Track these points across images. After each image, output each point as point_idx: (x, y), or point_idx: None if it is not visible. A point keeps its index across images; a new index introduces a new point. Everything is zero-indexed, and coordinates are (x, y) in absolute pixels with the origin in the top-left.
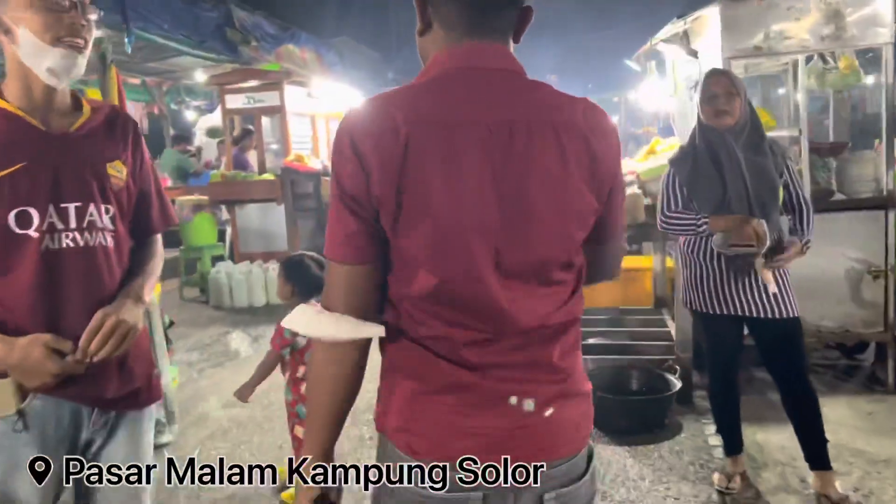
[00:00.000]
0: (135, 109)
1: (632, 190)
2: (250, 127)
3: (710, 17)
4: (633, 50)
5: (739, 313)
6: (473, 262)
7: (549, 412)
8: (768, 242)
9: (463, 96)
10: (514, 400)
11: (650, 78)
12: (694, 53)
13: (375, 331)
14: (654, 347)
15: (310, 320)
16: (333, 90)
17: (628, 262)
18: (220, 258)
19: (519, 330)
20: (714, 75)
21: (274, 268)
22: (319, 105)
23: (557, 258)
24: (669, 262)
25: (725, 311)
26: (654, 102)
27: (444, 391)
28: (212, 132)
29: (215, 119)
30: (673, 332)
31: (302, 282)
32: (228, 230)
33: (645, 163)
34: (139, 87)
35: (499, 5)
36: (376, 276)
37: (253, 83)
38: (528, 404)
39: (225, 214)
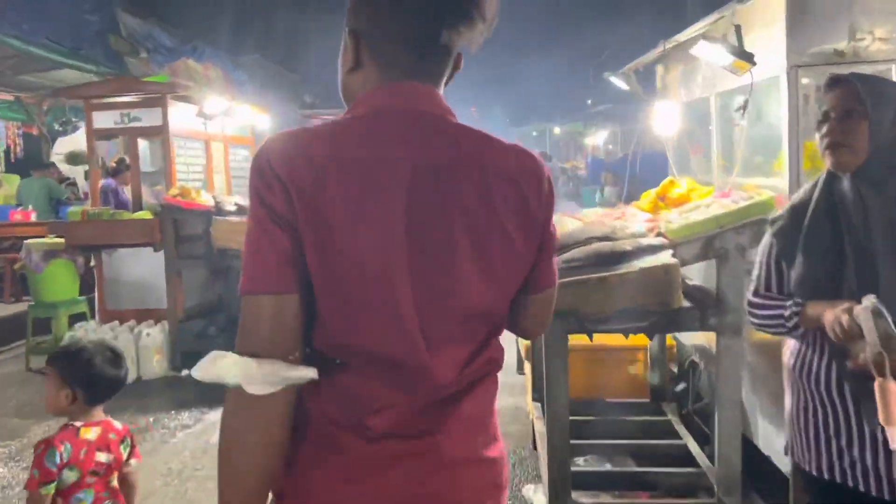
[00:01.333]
0: (6, 129)
1: (663, 258)
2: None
3: (769, 7)
4: (593, 69)
5: (875, 492)
6: (388, 307)
7: (452, 477)
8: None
9: (388, 135)
10: (414, 465)
11: (657, 96)
12: (748, 57)
13: (309, 373)
14: (676, 478)
15: (232, 366)
16: (236, 111)
17: (615, 339)
18: (82, 317)
19: (433, 385)
20: (831, 85)
21: (149, 332)
22: (218, 127)
23: (478, 307)
24: (669, 340)
25: (852, 483)
26: (664, 127)
27: (335, 453)
28: (73, 158)
29: (79, 141)
30: (691, 447)
31: (87, 384)
32: None
33: (669, 215)
34: (13, 105)
35: (436, 50)
36: (303, 309)
37: (128, 97)
38: (431, 468)
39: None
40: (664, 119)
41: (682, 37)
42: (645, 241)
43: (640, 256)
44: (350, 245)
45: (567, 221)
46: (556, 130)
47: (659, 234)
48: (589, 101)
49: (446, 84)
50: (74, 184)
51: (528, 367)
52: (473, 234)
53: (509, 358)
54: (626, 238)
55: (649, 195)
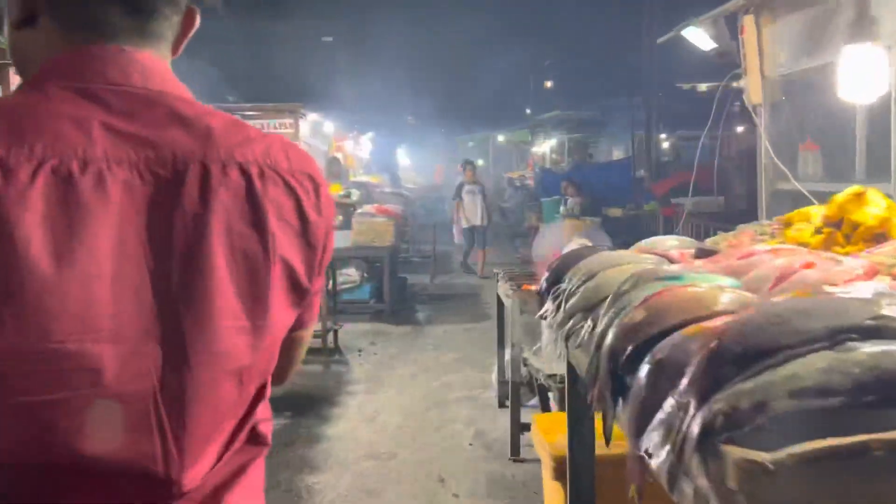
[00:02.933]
0: None
1: None
2: None
3: None
4: None
5: None
6: (100, 385)
7: None
8: None
9: (92, 125)
10: None
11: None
12: None
13: None
14: None
15: None
16: None
17: None
18: None
19: (175, 491)
20: None
21: None
22: None
23: (244, 366)
24: None
25: None
26: (863, 93)
27: None
28: None
29: None
30: None
31: None
32: None
33: None
34: None
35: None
36: None
37: None
38: None
39: None
40: (869, 78)
41: None
42: None
43: None
44: (36, 295)
45: (716, 282)
46: (500, 139)
47: None
48: (528, 111)
49: (176, 51)
50: None
51: (553, 489)
52: (240, 263)
53: (502, 435)
54: None
55: (807, 217)
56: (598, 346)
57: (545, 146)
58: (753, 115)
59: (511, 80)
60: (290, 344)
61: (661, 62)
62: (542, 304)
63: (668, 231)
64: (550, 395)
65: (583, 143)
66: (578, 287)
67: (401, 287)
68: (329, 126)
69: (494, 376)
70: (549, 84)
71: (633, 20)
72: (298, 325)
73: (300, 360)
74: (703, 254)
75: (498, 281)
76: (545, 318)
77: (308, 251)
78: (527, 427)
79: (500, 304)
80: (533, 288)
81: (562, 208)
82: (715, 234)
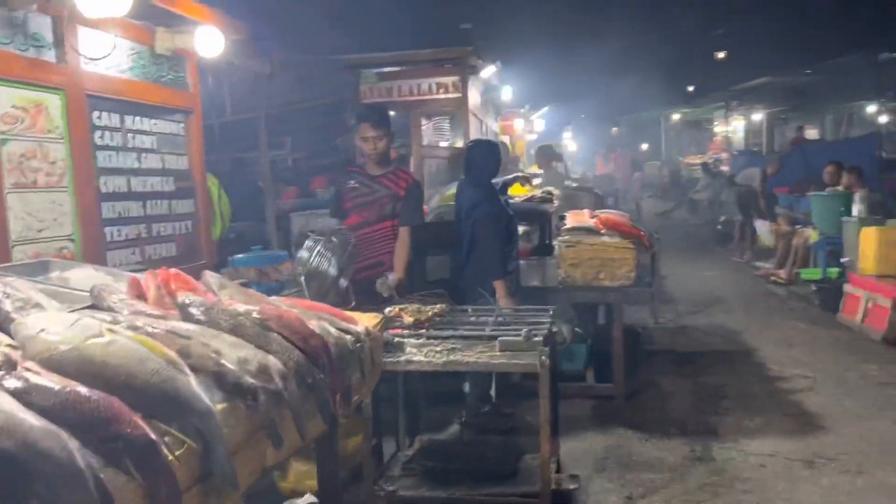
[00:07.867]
0: None
1: None
2: None
3: None
4: None
5: None
6: None
7: None
8: None
9: None
10: None
11: None
12: None
13: None
14: None
15: None
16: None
17: None
18: None
19: None
20: None
21: None
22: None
23: None
24: None
25: None
26: None
27: None
28: None
29: None
30: None
31: None
32: None
33: None
34: None
35: None
36: None
37: None
38: None
39: None
40: None
41: None
42: None
43: None
44: None
45: None
46: (676, 117)
47: None
48: (690, 88)
49: None
50: None
51: None
52: None
53: None
54: None
55: None
56: None
57: (735, 124)
58: None
59: (669, 55)
60: None
61: None
62: None
63: None
64: None
65: (783, 119)
66: None
67: (632, 346)
68: (507, 92)
69: None
70: (721, 55)
71: None
72: None
73: None
74: None
75: None
76: None
77: None
78: None
79: None
80: None
81: (856, 207)
82: None
